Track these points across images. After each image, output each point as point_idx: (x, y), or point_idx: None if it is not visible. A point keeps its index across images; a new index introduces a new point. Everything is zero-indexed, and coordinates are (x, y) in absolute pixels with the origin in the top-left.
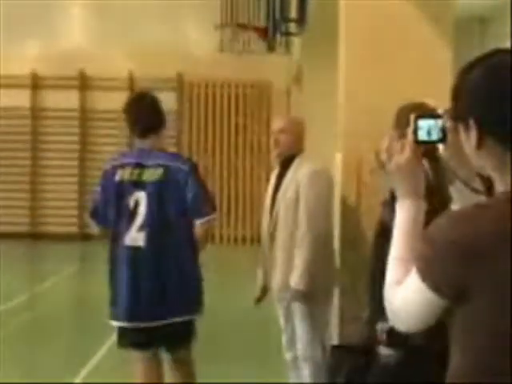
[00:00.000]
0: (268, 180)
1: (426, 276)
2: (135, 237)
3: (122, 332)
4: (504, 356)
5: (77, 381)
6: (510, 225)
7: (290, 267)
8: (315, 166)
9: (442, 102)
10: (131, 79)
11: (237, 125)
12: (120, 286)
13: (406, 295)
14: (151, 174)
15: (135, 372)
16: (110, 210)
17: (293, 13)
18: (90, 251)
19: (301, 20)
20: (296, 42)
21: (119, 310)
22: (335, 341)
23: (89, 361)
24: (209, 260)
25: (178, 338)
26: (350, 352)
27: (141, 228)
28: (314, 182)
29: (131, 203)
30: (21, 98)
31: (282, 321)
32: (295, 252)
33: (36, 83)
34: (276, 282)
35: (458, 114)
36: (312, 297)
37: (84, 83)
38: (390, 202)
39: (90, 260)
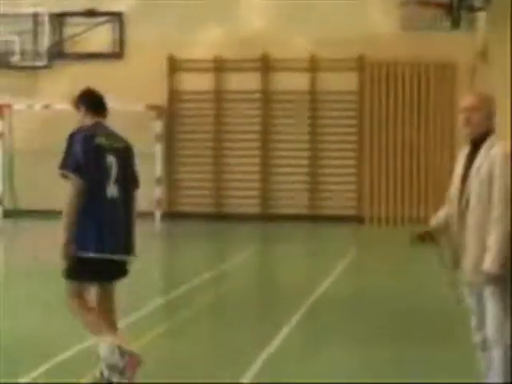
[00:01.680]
0: (452, 159)
1: None
2: (112, 189)
3: (98, 264)
4: None
5: (260, 360)
6: None
7: (482, 249)
8: (508, 145)
9: None
10: (313, 61)
11: (419, 104)
12: (104, 227)
13: None
14: (118, 142)
15: (89, 301)
16: (91, 167)
17: None
18: (272, 231)
19: None
20: (480, 17)
21: (104, 245)
22: None
23: (272, 341)
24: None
25: (127, 272)
26: None
27: (115, 182)
28: (508, 164)
29: (108, 163)
30: (205, 82)
31: (471, 302)
32: (490, 233)
33: (219, 66)
34: (468, 263)
35: None
36: (505, 279)
37: (266, 65)
38: None
39: (273, 240)
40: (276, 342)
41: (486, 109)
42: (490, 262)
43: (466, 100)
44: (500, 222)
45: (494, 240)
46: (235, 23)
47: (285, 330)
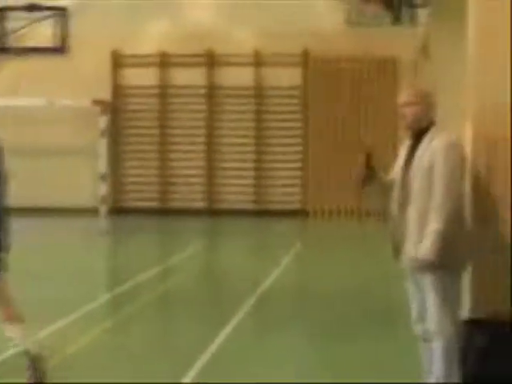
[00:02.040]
0: (395, 153)
1: None
2: None
3: None
4: None
5: (207, 355)
6: None
7: (423, 237)
8: (449, 137)
9: None
10: (257, 56)
11: (362, 99)
12: None
13: None
14: None
15: None
16: None
17: None
18: (218, 226)
19: None
20: (422, 13)
21: None
22: (467, 315)
23: (216, 337)
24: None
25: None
26: (481, 327)
27: None
28: (448, 153)
29: None
30: (150, 77)
31: (411, 292)
32: (428, 222)
33: (164, 61)
34: (408, 251)
35: None
36: (443, 268)
37: (211, 60)
38: None
39: (218, 235)
40: (220, 339)
41: (423, 103)
42: (425, 248)
43: (402, 95)
44: (439, 210)
45: (432, 227)
46: (180, 18)
47: (230, 326)
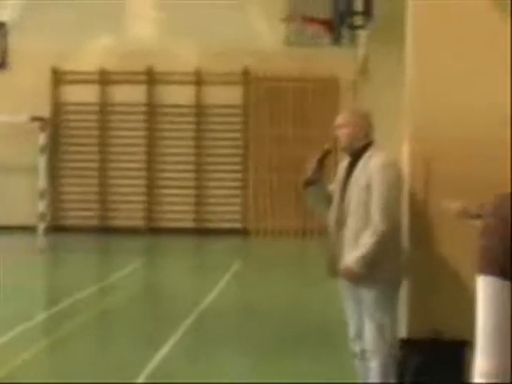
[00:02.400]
0: (334, 173)
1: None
2: None
3: None
4: None
5: (143, 375)
6: None
7: None
8: (386, 157)
9: None
10: (198, 74)
11: (303, 118)
12: None
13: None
14: None
15: None
16: None
17: (359, 6)
18: (158, 245)
19: (367, 13)
20: (361, 34)
21: None
22: (403, 334)
23: (155, 356)
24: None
25: None
26: (418, 347)
27: None
28: (385, 173)
29: None
30: (89, 94)
31: (348, 312)
32: (363, 237)
33: (104, 78)
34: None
35: None
36: (376, 286)
37: (151, 78)
38: None
39: (158, 254)
40: (157, 359)
41: (358, 124)
42: (354, 258)
43: (338, 117)
44: (375, 229)
45: (365, 242)
46: (120, 35)
47: (168, 345)
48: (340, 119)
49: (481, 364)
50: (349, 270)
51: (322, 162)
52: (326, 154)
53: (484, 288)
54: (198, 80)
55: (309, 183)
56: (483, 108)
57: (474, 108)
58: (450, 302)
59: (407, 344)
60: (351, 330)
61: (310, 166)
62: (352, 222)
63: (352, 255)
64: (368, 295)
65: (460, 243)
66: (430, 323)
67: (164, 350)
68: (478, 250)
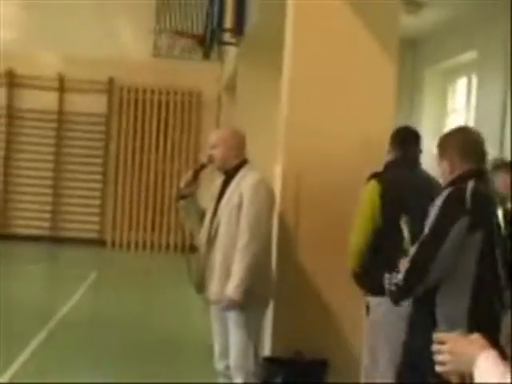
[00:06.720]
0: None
1: None
2: None
3: None
4: None
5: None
6: None
7: (227, 275)
8: (257, 176)
9: (384, 120)
10: (61, 80)
11: (165, 131)
12: None
13: None
14: None
15: None
16: None
17: (229, 22)
18: (9, 252)
19: (237, 30)
20: (231, 50)
21: None
22: (267, 352)
23: (6, 370)
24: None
25: None
26: (281, 365)
27: None
28: (256, 193)
29: None
30: None
31: (215, 329)
32: (235, 260)
33: None
34: (213, 289)
35: None
36: (247, 307)
37: (11, 81)
38: None
39: (10, 262)
40: (11, 371)
41: (228, 143)
42: (232, 287)
43: (211, 136)
44: (245, 250)
45: (238, 267)
46: None
47: (21, 359)
48: (212, 138)
49: None
50: (232, 301)
51: (196, 176)
52: (202, 168)
53: None
54: (61, 86)
55: (182, 196)
56: (348, 131)
57: (340, 131)
58: (312, 323)
59: (270, 362)
60: (216, 349)
61: (185, 178)
62: (221, 243)
63: (229, 285)
64: (235, 316)
65: (324, 266)
66: (293, 342)
67: (15, 366)
68: None
